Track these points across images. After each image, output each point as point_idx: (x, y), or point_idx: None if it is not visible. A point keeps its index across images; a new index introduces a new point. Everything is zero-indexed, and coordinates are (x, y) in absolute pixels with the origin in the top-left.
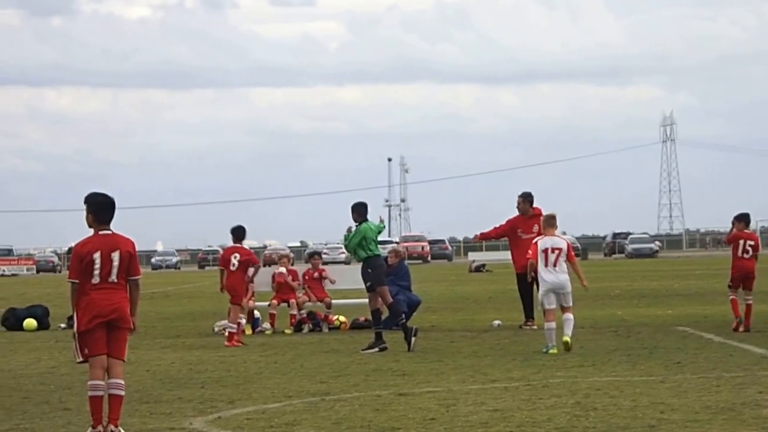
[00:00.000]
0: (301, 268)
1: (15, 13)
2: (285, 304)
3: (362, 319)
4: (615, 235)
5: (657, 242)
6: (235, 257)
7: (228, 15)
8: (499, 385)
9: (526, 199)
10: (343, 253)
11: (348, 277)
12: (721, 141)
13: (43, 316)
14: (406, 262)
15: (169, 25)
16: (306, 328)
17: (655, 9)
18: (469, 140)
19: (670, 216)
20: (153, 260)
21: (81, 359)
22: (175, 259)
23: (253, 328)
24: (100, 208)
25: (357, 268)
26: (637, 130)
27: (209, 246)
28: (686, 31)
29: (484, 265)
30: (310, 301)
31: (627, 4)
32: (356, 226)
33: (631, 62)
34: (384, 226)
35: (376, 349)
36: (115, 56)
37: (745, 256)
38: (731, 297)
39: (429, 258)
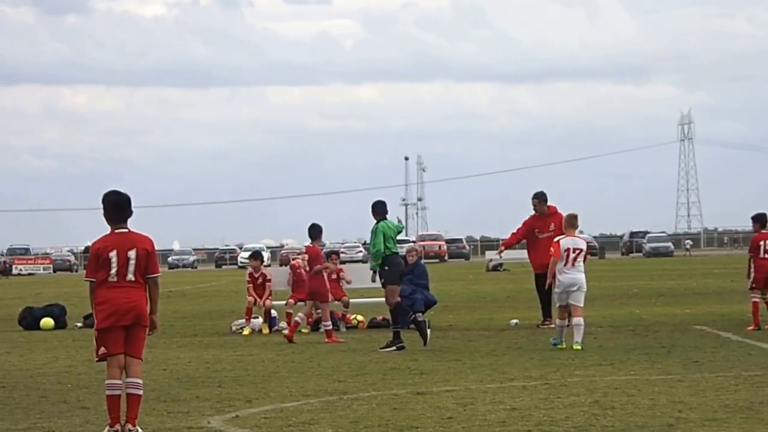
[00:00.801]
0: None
1: (29, 11)
2: (302, 303)
3: (380, 318)
4: (632, 234)
5: (688, 241)
6: (304, 258)
7: (243, 13)
8: (517, 384)
9: (542, 199)
10: (360, 251)
11: (366, 276)
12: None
13: (60, 316)
14: (423, 261)
15: (184, 23)
16: (323, 326)
17: (672, 7)
18: (486, 139)
19: (688, 215)
20: (169, 259)
21: (97, 358)
22: (191, 258)
23: (270, 327)
24: (114, 206)
25: (369, 268)
26: (654, 129)
27: (226, 245)
28: (703, 29)
29: (501, 264)
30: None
31: (644, 3)
32: (375, 224)
33: (648, 60)
34: (402, 227)
35: (394, 348)
36: (130, 54)
37: (766, 256)
38: (754, 299)
39: (446, 257)
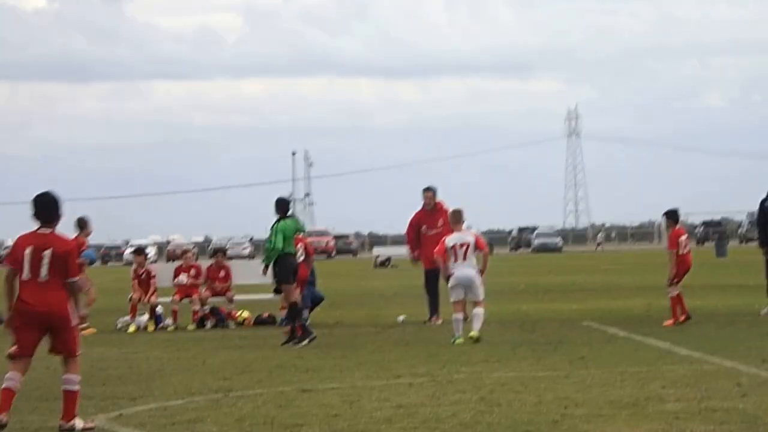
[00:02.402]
0: (204, 263)
1: None
2: (187, 300)
3: (266, 314)
4: (521, 230)
5: (601, 234)
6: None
7: (124, 7)
8: (403, 381)
9: (435, 192)
10: (246, 248)
11: (252, 273)
12: (624, 134)
13: None
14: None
15: (64, 16)
16: (209, 323)
17: (555, 2)
18: (372, 134)
19: (576, 210)
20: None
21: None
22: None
23: (156, 324)
24: (36, 206)
25: (260, 262)
26: (541, 124)
27: (113, 241)
28: (587, 25)
29: (389, 260)
30: (212, 296)
31: None
32: (275, 223)
33: (533, 56)
34: (304, 228)
35: (307, 341)
36: (10, 48)
37: (685, 251)
38: (677, 293)
39: (333, 253)
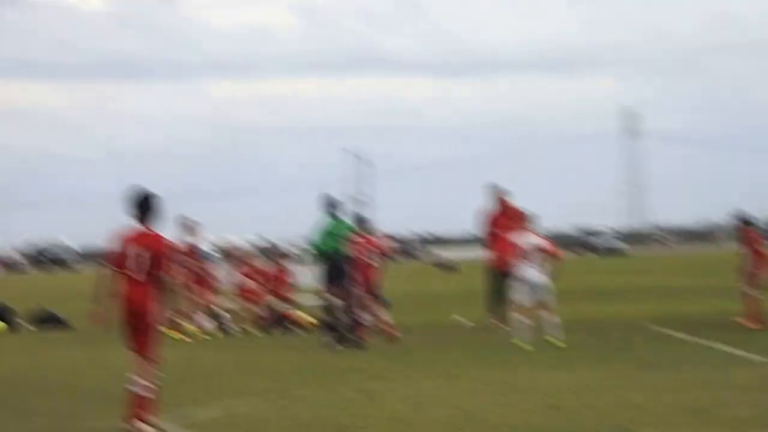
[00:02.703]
0: (266, 266)
1: None
2: (251, 303)
3: (327, 318)
4: (583, 233)
5: (662, 235)
6: (373, 250)
7: (180, 6)
8: (466, 385)
9: (505, 193)
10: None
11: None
12: (685, 134)
13: (6, 317)
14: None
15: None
16: (273, 326)
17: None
18: (426, 133)
19: (637, 212)
20: None
21: None
22: None
23: (219, 327)
24: (137, 203)
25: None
26: (596, 123)
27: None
28: (645, 21)
29: (449, 261)
30: (276, 299)
31: None
32: (325, 222)
33: (589, 54)
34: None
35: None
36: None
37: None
38: (759, 296)
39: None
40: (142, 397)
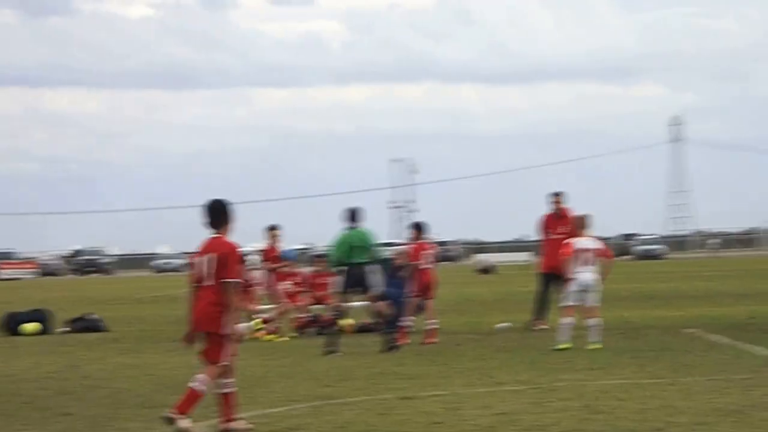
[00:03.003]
0: (306, 270)
1: (11, 13)
2: (290, 307)
3: (367, 322)
4: (624, 237)
5: (716, 240)
6: (428, 254)
7: (229, 14)
8: (506, 388)
9: (563, 198)
10: None
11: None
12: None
13: (44, 321)
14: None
15: (168, 24)
16: (311, 330)
17: (660, 6)
18: (474, 141)
19: (680, 217)
20: (156, 263)
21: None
22: (180, 262)
23: (261, 331)
24: (207, 212)
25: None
26: (644, 130)
27: None
28: (692, 29)
29: (492, 266)
30: (314, 303)
31: (631, 2)
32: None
33: (637, 61)
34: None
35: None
36: (115, 56)
37: None
38: None
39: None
40: (196, 394)
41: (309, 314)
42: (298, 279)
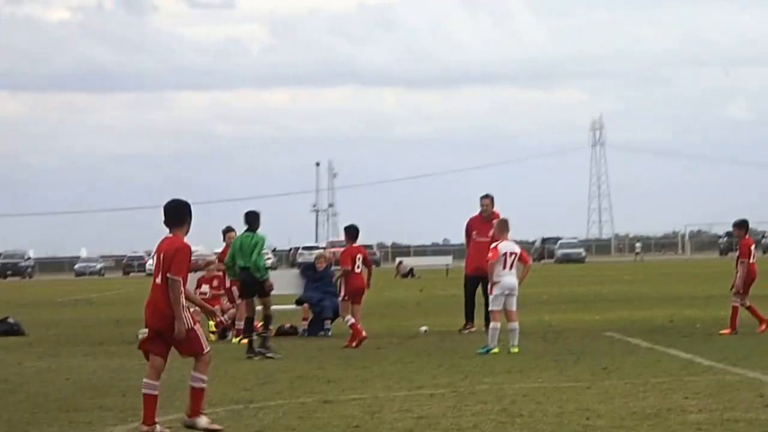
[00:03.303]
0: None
1: None
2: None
3: (288, 325)
4: (544, 240)
5: (638, 244)
6: (359, 258)
7: (149, 17)
8: (425, 392)
9: (492, 200)
10: (269, 259)
11: (275, 283)
12: (648, 145)
13: None
14: (333, 267)
15: (89, 27)
16: (230, 334)
17: (580, 13)
18: (395, 144)
19: (600, 221)
20: (76, 267)
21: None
22: (99, 266)
23: None
24: (164, 212)
25: (283, 273)
26: (564, 135)
27: (134, 252)
28: (611, 35)
29: (412, 270)
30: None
31: (551, 8)
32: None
33: (557, 66)
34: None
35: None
36: (35, 59)
37: (753, 260)
38: (740, 304)
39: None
40: (202, 392)
41: (229, 318)
42: (218, 282)
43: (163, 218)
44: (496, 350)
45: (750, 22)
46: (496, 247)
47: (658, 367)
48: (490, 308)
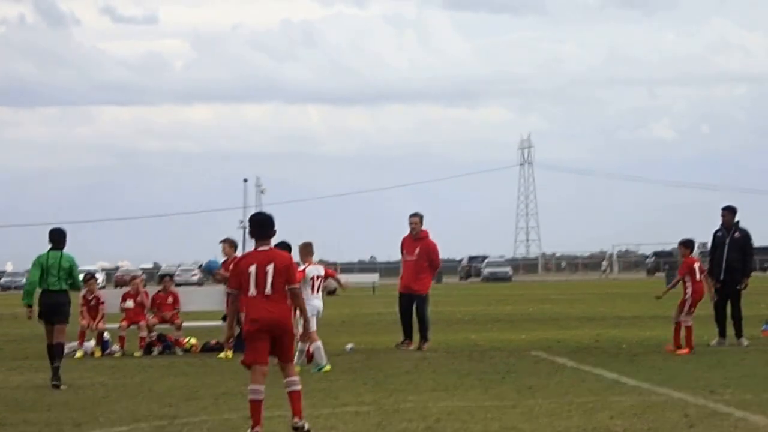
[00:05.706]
0: (153, 290)
1: None
2: (134, 326)
3: (213, 342)
4: (471, 259)
5: (605, 262)
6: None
7: (72, 31)
8: (349, 410)
9: (421, 219)
10: (195, 275)
11: (200, 299)
12: (575, 165)
13: None
14: None
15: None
16: (156, 350)
17: (504, 32)
18: (319, 161)
19: (527, 240)
20: (2, 281)
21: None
22: (24, 280)
23: (103, 351)
24: (252, 225)
25: (210, 290)
26: (491, 153)
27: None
28: (536, 54)
29: (336, 288)
30: (160, 323)
31: (476, 27)
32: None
33: (483, 85)
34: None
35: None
36: None
37: (699, 278)
38: (689, 324)
39: None
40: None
41: (153, 333)
42: (142, 298)
43: (251, 231)
44: (327, 367)
45: (675, 41)
46: (303, 270)
47: (583, 386)
48: (312, 329)
